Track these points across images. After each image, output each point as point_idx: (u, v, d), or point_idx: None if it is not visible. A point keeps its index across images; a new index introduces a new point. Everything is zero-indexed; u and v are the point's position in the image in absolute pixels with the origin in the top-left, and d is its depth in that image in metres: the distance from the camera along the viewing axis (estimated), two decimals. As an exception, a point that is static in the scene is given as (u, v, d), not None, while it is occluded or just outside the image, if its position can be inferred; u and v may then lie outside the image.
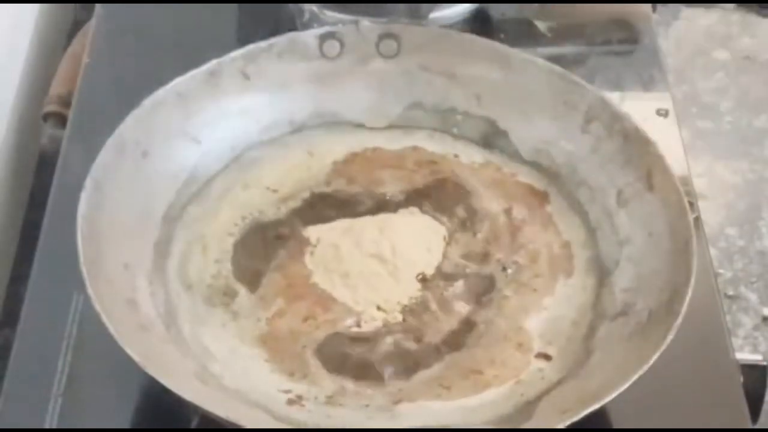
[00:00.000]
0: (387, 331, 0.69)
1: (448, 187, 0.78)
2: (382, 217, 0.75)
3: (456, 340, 0.70)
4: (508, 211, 0.77)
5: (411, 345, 0.69)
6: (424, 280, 0.72)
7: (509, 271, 0.73)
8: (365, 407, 0.66)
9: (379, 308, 0.71)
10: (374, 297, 0.71)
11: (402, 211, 0.76)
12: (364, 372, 0.68)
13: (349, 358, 0.68)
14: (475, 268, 0.73)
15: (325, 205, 0.77)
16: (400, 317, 0.70)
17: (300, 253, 0.73)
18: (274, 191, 0.78)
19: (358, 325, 0.70)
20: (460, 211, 0.76)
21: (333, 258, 0.73)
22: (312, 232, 0.75)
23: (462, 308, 0.71)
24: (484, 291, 0.72)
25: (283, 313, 0.70)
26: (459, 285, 0.72)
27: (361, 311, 0.70)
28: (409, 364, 0.68)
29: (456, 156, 0.81)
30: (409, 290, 0.72)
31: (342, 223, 0.75)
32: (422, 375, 0.68)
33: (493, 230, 0.76)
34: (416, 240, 0.74)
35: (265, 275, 0.72)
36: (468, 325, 0.70)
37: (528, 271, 0.74)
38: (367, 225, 0.75)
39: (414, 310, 0.71)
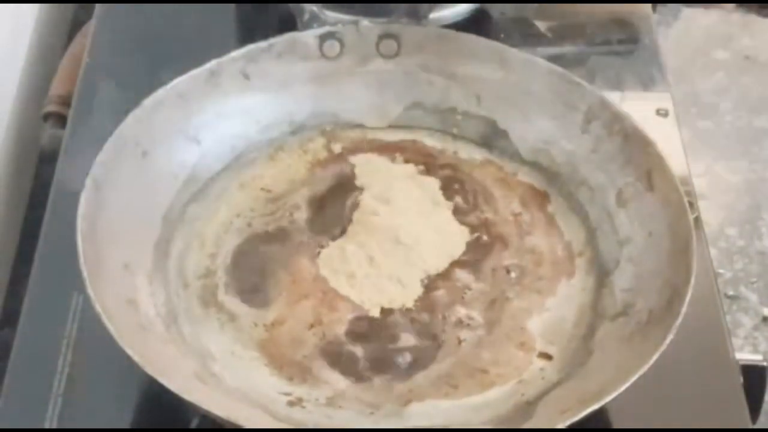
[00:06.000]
0: (393, 333, 0.70)
1: (455, 185, 0.78)
2: (392, 216, 0.75)
3: (460, 341, 0.70)
4: (516, 215, 0.77)
5: (417, 346, 0.69)
6: (429, 282, 0.72)
7: (513, 274, 0.73)
8: (371, 414, 0.66)
9: (384, 309, 0.71)
10: (379, 298, 0.71)
11: (414, 209, 0.76)
12: (372, 373, 0.68)
13: (357, 360, 0.68)
14: (479, 270, 0.73)
15: (327, 197, 0.77)
16: (406, 319, 0.70)
17: (305, 252, 0.74)
18: (269, 191, 0.78)
19: (364, 328, 0.70)
20: (467, 209, 0.77)
21: (339, 258, 0.73)
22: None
23: (465, 310, 0.71)
24: (487, 294, 0.72)
25: (284, 319, 0.70)
26: (463, 287, 0.72)
27: (367, 310, 0.70)
28: (416, 364, 0.68)
29: (455, 153, 0.81)
30: (414, 292, 0.72)
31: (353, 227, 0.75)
32: (431, 374, 0.68)
33: (500, 233, 0.76)
34: (426, 240, 0.74)
35: (266, 276, 0.72)
36: (471, 326, 0.70)
37: (532, 275, 0.74)
38: (375, 225, 0.75)
39: (419, 312, 0.71)
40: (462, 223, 0.76)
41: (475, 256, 0.74)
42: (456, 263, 0.73)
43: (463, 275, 0.73)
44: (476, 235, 0.75)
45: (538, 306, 0.72)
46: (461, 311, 0.71)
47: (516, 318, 0.71)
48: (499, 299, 0.72)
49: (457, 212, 0.77)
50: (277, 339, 0.69)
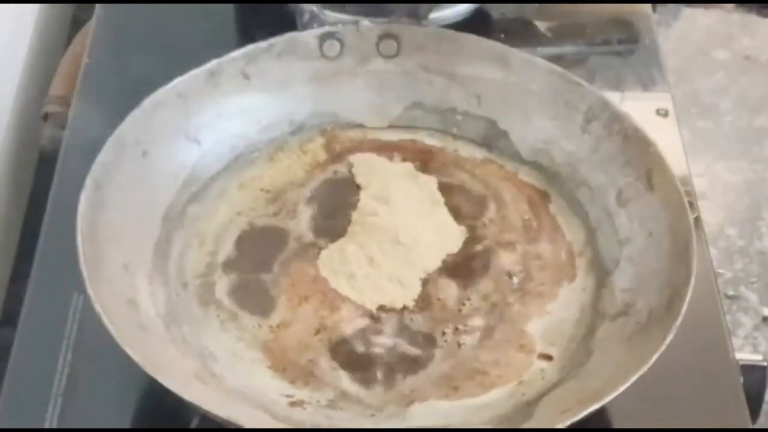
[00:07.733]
0: (394, 334, 0.70)
1: (457, 184, 0.78)
2: (391, 215, 0.75)
3: (459, 344, 0.70)
4: (525, 220, 0.77)
5: (417, 347, 0.69)
6: (429, 283, 0.72)
7: (515, 279, 0.73)
8: (371, 416, 0.66)
9: (385, 309, 0.71)
10: (380, 298, 0.71)
11: (412, 208, 0.76)
12: (374, 375, 0.68)
13: (359, 362, 0.68)
14: (481, 275, 0.73)
15: (326, 197, 0.77)
16: (406, 319, 0.70)
17: (305, 254, 0.73)
18: (269, 191, 0.78)
19: (366, 329, 0.70)
20: (471, 211, 0.77)
21: (338, 259, 0.73)
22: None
23: (466, 314, 0.71)
24: (488, 298, 0.72)
25: (289, 322, 0.70)
26: (464, 292, 0.72)
27: (368, 310, 0.70)
28: (417, 365, 0.68)
29: (455, 151, 0.81)
30: (414, 291, 0.72)
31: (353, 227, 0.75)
32: (432, 375, 0.68)
33: (503, 237, 0.75)
34: (425, 240, 0.74)
35: (266, 277, 0.72)
36: (471, 329, 0.70)
37: (534, 279, 0.73)
38: (374, 225, 0.74)
39: (420, 313, 0.71)
40: (466, 225, 0.76)
41: (477, 260, 0.74)
42: (457, 266, 0.73)
43: (464, 279, 0.73)
44: (479, 236, 0.75)
45: (539, 310, 0.72)
46: (461, 315, 0.71)
47: (516, 321, 0.71)
48: (500, 304, 0.72)
49: (460, 213, 0.76)
50: (282, 342, 0.69)
